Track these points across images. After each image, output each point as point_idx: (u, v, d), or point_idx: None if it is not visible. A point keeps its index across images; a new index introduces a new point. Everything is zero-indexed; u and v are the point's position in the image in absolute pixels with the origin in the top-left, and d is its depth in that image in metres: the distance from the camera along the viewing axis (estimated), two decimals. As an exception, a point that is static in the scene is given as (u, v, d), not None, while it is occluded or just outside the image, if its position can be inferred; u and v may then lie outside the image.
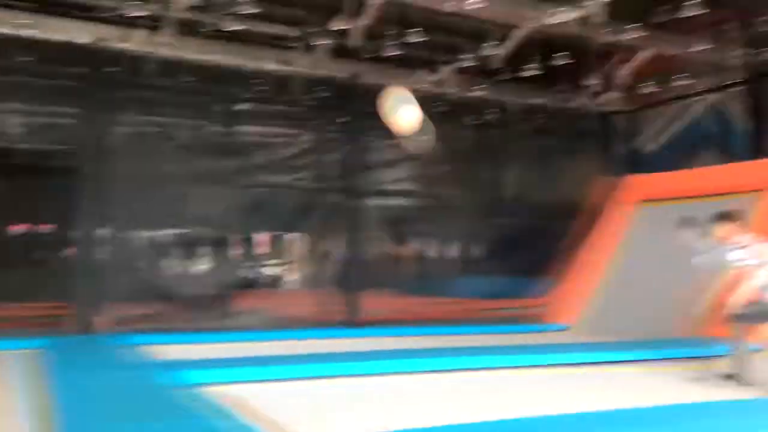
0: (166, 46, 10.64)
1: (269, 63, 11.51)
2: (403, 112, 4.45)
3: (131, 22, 10.44)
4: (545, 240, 11.91)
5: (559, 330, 9.42)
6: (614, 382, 5.74)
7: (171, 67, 10.45)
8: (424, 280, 14.67)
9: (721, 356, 6.78)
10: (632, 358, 6.59)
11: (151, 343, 7.25)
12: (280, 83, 11.36)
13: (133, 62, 10.06)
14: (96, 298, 8.39)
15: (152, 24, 10.93)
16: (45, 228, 10.81)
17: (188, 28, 11.32)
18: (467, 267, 14.58)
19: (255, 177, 10.34)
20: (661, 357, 6.70)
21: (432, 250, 14.75)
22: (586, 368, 6.21)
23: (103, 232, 9.16)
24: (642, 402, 4.33)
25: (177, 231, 10.59)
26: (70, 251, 9.51)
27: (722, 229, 5.80)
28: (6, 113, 9.92)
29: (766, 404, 4.47)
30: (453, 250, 14.97)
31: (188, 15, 10.80)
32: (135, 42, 10.52)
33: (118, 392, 4.37)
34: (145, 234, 10.86)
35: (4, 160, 9.69)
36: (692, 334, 7.71)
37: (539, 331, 9.16)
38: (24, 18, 9.05)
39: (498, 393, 5.14)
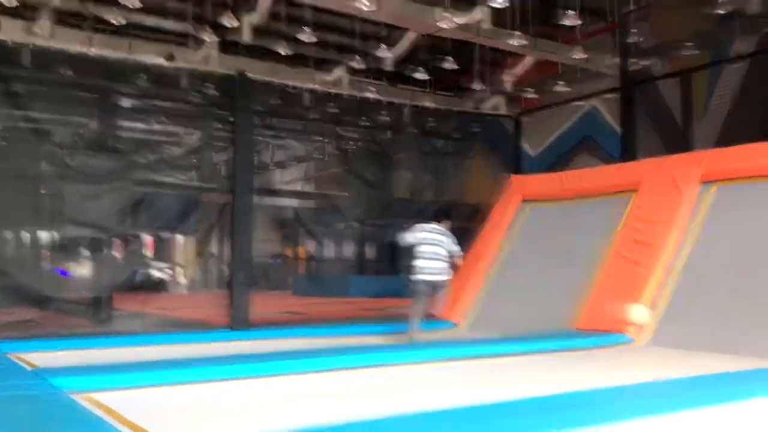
0: (42, 37, 10.06)
1: (155, 57, 11.10)
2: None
3: (4, 10, 9.81)
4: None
5: (447, 327, 9.60)
6: (495, 374, 5.90)
7: (48, 59, 9.88)
8: (316, 280, 14.67)
9: (599, 347, 7.18)
10: (513, 351, 6.80)
11: (23, 351, 6.84)
12: (166, 79, 10.99)
13: (6, 53, 9.43)
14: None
15: (28, 13, 10.32)
16: None
17: (68, 19, 10.77)
18: (361, 267, 14.68)
19: (138, 175, 9.93)
20: (541, 349, 6.95)
21: (325, 251, 14.74)
22: (465, 362, 6.35)
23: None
24: (520, 391, 4.46)
25: (54, 232, 10.05)
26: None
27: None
28: None
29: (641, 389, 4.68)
30: (346, 251, 15.03)
31: (68, 5, 10.27)
32: (8, 31, 9.88)
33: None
34: (19, 235, 10.23)
35: None
36: (573, 327, 8.09)
37: (429, 329, 9.28)
38: None
39: (377, 390, 5.18)
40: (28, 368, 5.67)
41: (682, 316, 7.39)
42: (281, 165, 13.87)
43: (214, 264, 12.49)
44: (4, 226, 9.72)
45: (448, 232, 8.15)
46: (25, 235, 10.12)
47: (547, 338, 7.27)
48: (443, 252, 7.95)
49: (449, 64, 12.41)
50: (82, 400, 4.52)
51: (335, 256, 15.14)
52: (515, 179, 10.91)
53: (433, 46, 12.91)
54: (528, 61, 13.07)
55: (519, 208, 10.58)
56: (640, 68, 11.30)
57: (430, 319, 8.52)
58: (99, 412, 4.19)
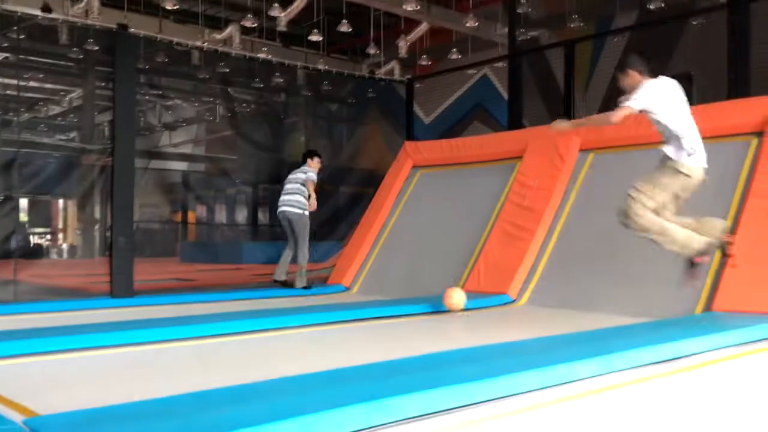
0: None
1: (30, 8, 10.34)
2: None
3: None
4: (331, 205, 12.15)
5: (338, 291, 9.66)
6: (376, 335, 5.98)
7: None
8: (206, 246, 14.34)
9: (481, 308, 7.41)
10: (395, 313, 6.90)
11: None
12: (42, 32, 10.29)
13: None
14: None
15: None
16: None
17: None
18: (253, 233, 14.49)
19: (12, 135, 9.29)
20: (423, 311, 7.10)
21: (215, 216, 14.40)
22: (348, 325, 6.38)
23: None
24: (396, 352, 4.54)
25: None
26: None
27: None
28: None
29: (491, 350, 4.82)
30: (238, 216, 14.76)
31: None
32: None
33: None
34: None
35: None
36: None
37: (320, 294, 9.31)
38: None
39: (258, 355, 5.14)
40: None
41: (559, 277, 7.75)
42: (170, 127, 13.36)
43: (97, 230, 11.95)
44: None
45: (310, 169, 9.16)
46: None
47: (430, 301, 7.41)
48: (298, 186, 9.05)
49: (344, 27, 12.31)
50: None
51: (226, 222, 14.85)
52: (408, 145, 11.00)
53: (328, 9, 12.75)
54: (423, 27, 13.16)
55: (411, 174, 10.70)
56: (528, 38, 11.61)
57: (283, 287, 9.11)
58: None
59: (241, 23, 12.02)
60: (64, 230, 15.76)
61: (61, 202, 15.46)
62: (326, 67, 12.26)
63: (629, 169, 7.93)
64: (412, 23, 13.23)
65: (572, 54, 9.56)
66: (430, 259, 9.15)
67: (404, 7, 11.45)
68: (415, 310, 7.11)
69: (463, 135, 12.29)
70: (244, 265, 12.47)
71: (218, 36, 12.06)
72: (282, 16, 11.82)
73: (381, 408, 3.17)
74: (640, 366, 4.36)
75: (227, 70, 11.57)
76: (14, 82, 9.81)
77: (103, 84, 11.19)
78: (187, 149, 14.20)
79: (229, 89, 12.14)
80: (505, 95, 11.83)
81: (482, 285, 8.10)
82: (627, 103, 5.21)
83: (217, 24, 12.62)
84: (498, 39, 13.18)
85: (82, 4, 11.32)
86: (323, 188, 12.52)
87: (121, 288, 8.50)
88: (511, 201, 8.65)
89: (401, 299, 7.79)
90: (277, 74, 12.17)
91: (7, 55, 10.47)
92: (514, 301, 7.77)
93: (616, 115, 5.28)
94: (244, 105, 12.69)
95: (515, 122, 10.23)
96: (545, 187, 8.39)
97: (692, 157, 5.31)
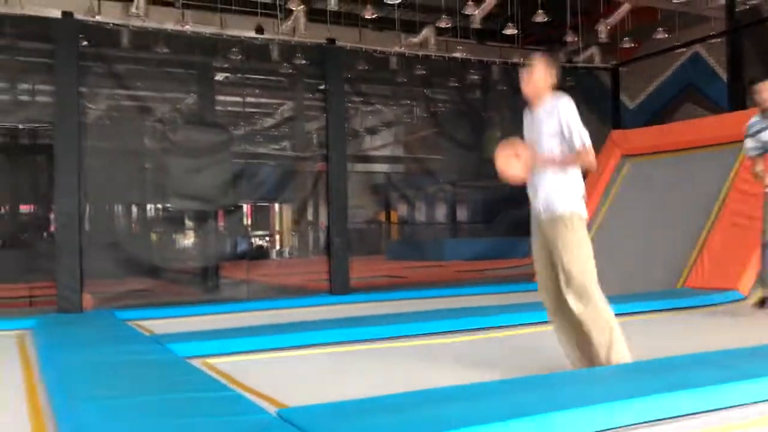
0: (138, 17, 10.41)
1: (246, 31, 11.27)
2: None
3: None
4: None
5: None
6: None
7: (145, 39, 10.20)
8: (410, 244, 14.77)
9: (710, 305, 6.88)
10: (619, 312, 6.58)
11: (140, 318, 7.23)
12: (258, 51, 11.16)
13: (108, 35, 9.79)
14: (81, 276, 8.24)
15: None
16: (24, 208, 10.68)
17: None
18: (454, 230, 14.65)
19: (236, 148, 10.20)
20: (651, 309, 6.73)
21: (417, 215, 14.79)
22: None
23: (84, 209, 9.01)
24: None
25: (160, 205, 10.51)
26: (51, 230, 9.40)
27: None
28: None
29: None
30: (438, 214, 15.03)
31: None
32: (107, 14, 10.27)
33: (109, 368, 4.33)
34: (128, 210, 10.76)
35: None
36: (681, 285, 7.80)
37: (526, 291, 9.17)
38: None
39: (492, 354, 5.16)
40: (147, 334, 5.98)
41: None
42: (371, 131, 13.91)
43: (310, 231, 12.77)
44: (114, 200, 10.23)
45: None
46: (136, 210, 10.61)
47: (646, 298, 7.00)
48: None
49: (540, 17, 12.02)
50: (199, 365, 4.74)
51: (427, 220, 15.17)
52: (615, 134, 10.51)
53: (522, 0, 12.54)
54: (624, 8, 12.48)
55: (619, 164, 10.21)
56: (748, 8, 10.55)
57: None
58: (216, 377, 4.38)
59: (436, 25, 12.16)
60: (281, 233, 17.06)
61: (276, 206, 16.77)
62: (522, 60, 12.04)
63: None
64: (612, 5, 12.60)
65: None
66: (645, 254, 8.67)
67: (604, -11, 10.92)
68: (632, 308, 6.76)
69: (674, 118, 11.48)
70: (446, 262, 12.65)
71: (414, 39, 12.31)
72: (476, 14, 11.80)
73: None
74: None
75: (424, 72, 11.79)
76: (239, 99, 10.73)
77: (310, 95, 11.89)
78: (387, 151, 14.70)
79: (425, 90, 12.37)
80: (721, 73, 10.86)
81: (707, 281, 7.52)
82: (587, 143, 4.04)
83: (412, 28, 12.88)
84: (710, 12, 12.12)
85: (290, 21, 12.13)
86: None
87: (339, 285, 8.99)
88: (738, 188, 7.94)
89: (617, 296, 7.44)
90: (472, 71, 12.19)
91: (228, 74, 11.48)
92: (745, 298, 7.12)
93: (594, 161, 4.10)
94: (440, 105, 12.86)
95: (737, 102, 9.36)
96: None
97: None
